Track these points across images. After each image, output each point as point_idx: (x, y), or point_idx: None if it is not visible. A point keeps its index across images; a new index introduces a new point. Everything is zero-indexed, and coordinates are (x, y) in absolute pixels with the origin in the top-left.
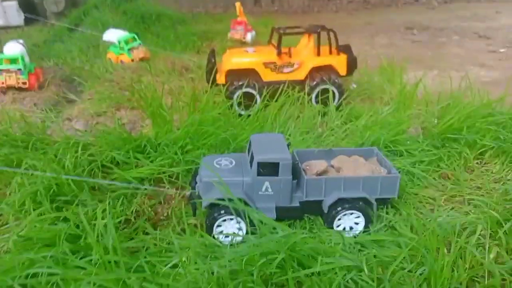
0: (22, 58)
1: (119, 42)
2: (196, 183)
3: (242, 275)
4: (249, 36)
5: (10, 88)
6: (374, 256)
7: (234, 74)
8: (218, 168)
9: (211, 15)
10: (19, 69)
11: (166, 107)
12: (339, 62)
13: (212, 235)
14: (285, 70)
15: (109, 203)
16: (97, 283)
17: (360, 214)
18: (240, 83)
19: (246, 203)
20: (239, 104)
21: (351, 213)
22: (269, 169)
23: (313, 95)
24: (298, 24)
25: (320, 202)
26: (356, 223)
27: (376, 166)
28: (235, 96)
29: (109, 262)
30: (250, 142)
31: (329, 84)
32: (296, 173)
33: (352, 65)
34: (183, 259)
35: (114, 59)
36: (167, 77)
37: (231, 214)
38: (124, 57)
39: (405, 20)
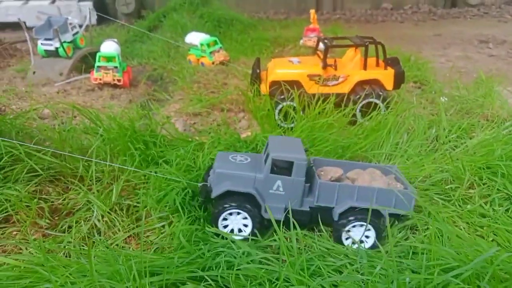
0: (118, 57)
1: (201, 45)
2: (208, 176)
3: None
4: (321, 44)
5: (104, 84)
6: None
7: (278, 86)
8: (233, 162)
9: (277, 21)
10: (115, 67)
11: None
12: (386, 76)
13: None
14: (330, 83)
15: None
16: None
17: (371, 226)
18: (283, 96)
19: (255, 199)
20: (281, 116)
21: (362, 225)
22: (283, 167)
23: (358, 109)
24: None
25: (330, 210)
26: (367, 236)
27: (392, 181)
28: (277, 108)
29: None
30: (267, 141)
31: (375, 98)
32: (309, 177)
33: (399, 79)
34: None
35: (194, 61)
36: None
37: (239, 208)
38: (205, 60)
39: (476, 33)
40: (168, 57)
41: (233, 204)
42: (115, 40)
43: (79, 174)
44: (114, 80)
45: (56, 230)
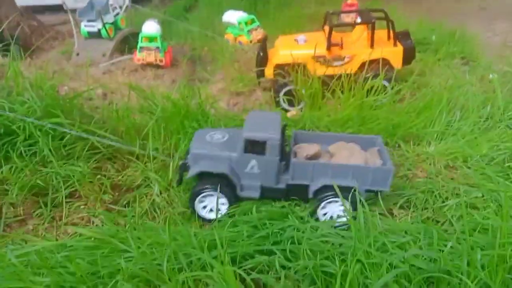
0: (160, 37)
1: (239, 24)
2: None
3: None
4: (360, 20)
5: (147, 65)
6: None
7: (282, 69)
8: (209, 142)
9: None
10: (157, 47)
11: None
12: (394, 55)
13: (194, 207)
14: (335, 63)
15: None
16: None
17: (346, 203)
18: (286, 80)
19: (229, 179)
20: (285, 100)
21: (337, 201)
22: (256, 147)
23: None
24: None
25: (307, 187)
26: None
27: (373, 156)
28: (281, 93)
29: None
30: (246, 117)
31: (381, 79)
32: (286, 154)
33: (409, 55)
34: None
35: (231, 40)
36: None
37: (214, 190)
38: (242, 38)
39: None
40: (206, 36)
41: (208, 186)
42: (156, 20)
43: (136, 153)
44: (156, 60)
45: (118, 205)
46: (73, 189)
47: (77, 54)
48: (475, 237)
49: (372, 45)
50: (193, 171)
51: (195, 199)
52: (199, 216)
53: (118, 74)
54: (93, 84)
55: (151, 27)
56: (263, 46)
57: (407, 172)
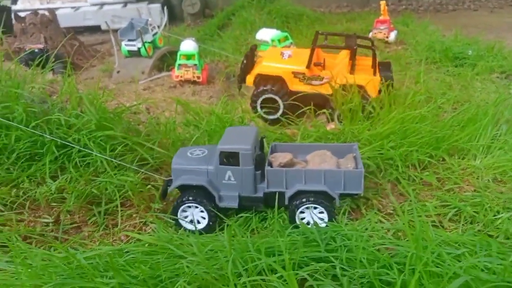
0: (198, 54)
1: (273, 41)
2: None
3: None
4: (392, 35)
5: (185, 81)
6: None
7: (262, 79)
8: (189, 157)
9: (342, 15)
10: (195, 65)
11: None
12: (371, 84)
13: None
14: (314, 82)
15: None
16: None
17: (322, 208)
18: (265, 88)
19: (207, 191)
20: (263, 108)
21: (314, 207)
22: (230, 158)
23: (336, 114)
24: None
25: (283, 194)
26: (322, 218)
27: (347, 161)
28: (259, 100)
29: None
30: (224, 133)
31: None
32: (262, 164)
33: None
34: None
35: None
36: None
37: (194, 202)
38: None
39: None
40: (240, 54)
41: (189, 198)
42: (193, 38)
43: None
44: (194, 77)
45: (167, 214)
46: (124, 198)
47: (118, 72)
48: None
49: (351, 71)
50: (174, 185)
51: (177, 212)
52: (184, 228)
53: (158, 90)
54: (137, 99)
55: (189, 46)
56: (249, 54)
57: (453, 186)
